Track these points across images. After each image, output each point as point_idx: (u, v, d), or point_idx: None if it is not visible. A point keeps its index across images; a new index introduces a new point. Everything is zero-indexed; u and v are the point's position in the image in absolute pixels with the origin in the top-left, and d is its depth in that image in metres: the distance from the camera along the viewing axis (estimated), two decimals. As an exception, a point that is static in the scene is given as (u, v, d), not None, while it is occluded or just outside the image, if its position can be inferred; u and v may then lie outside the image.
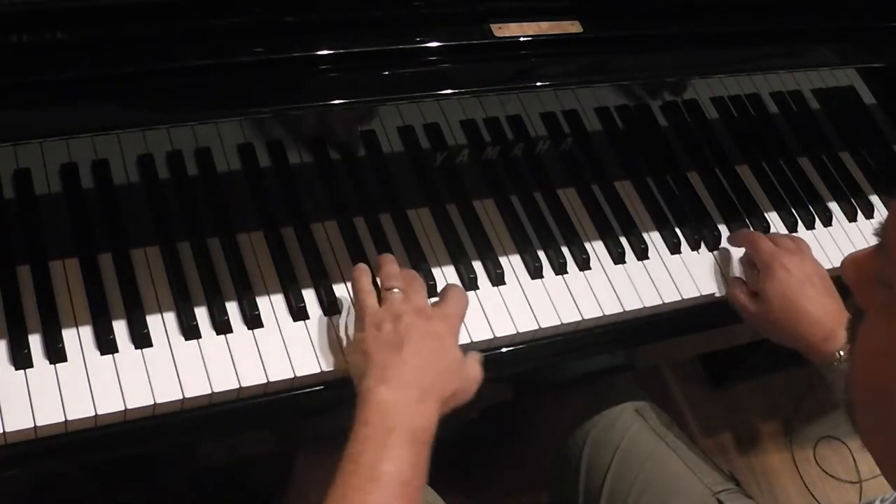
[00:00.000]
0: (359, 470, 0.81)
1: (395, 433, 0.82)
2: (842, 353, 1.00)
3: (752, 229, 1.19)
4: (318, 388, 0.96)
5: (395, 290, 0.93)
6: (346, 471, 0.81)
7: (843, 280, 0.83)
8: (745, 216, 1.21)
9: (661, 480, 1.13)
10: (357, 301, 0.94)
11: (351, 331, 0.97)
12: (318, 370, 0.95)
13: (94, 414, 0.86)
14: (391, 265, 0.96)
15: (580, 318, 1.05)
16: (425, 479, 0.84)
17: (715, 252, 1.16)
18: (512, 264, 1.07)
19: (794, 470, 1.84)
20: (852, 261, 0.65)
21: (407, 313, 0.90)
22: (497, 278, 1.05)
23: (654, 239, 1.14)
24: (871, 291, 0.61)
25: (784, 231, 1.22)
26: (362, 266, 0.97)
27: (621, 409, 1.21)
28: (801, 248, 1.11)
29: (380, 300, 0.93)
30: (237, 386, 0.91)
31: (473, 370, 0.93)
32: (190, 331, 0.93)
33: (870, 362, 0.61)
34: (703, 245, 1.16)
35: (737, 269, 1.14)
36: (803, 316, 1.04)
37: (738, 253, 1.15)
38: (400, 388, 0.86)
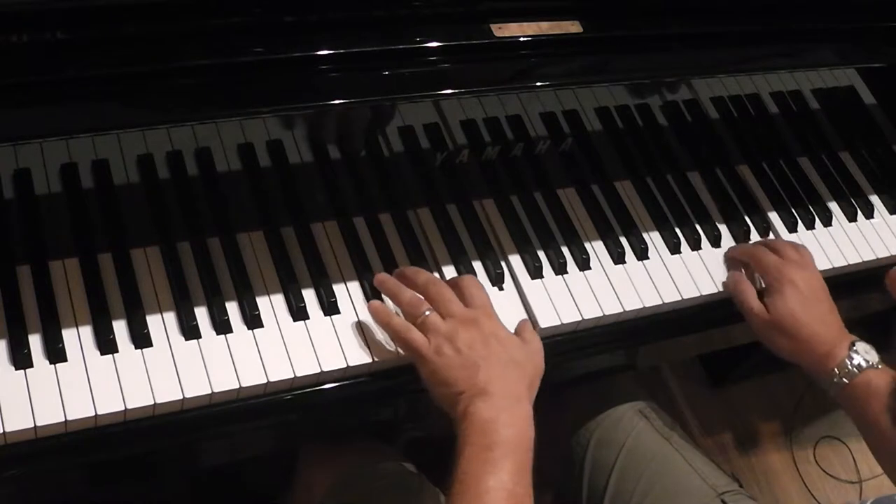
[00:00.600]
0: (465, 490, 0.84)
1: (495, 448, 0.85)
2: (838, 369, 1.03)
3: (751, 234, 1.19)
4: (317, 387, 0.96)
5: (427, 312, 0.93)
6: (454, 492, 0.84)
7: (891, 293, 0.84)
8: (745, 216, 1.21)
9: (666, 481, 1.13)
10: (401, 342, 0.94)
11: (352, 330, 0.97)
12: (317, 370, 0.94)
13: (94, 414, 0.86)
14: (402, 292, 0.95)
15: (580, 318, 1.05)
16: (530, 483, 0.86)
17: (715, 252, 1.16)
18: (512, 264, 1.07)
19: (794, 470, 1.84)
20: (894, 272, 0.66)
21: (455, 329, 0.91)
22: (497, 278, 1.05)
23: (654, 239, 1.14)
24: None
25: (783, 231, 1.22)
26: (377, 306, 0.96)
27: (625, 410, 1.21)
28: (805, 258, 1.11)
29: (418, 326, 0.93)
30: (237, 386, 0.91)
31: (534, 343, 0.96)
32: (190, 331, 0.93)
33: None
34: (703, 245, 1.16)
35: (737, 270, 1.14)
36: (808, 334, 1.05)
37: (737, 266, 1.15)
38: (492, 402, 0.88)
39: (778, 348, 1.08)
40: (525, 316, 1.03)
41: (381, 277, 0.97)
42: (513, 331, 0.98)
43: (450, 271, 1.05)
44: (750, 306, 1.08)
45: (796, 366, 1.08)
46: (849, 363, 1.02)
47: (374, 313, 0.95)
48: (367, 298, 1.00)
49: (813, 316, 1.06)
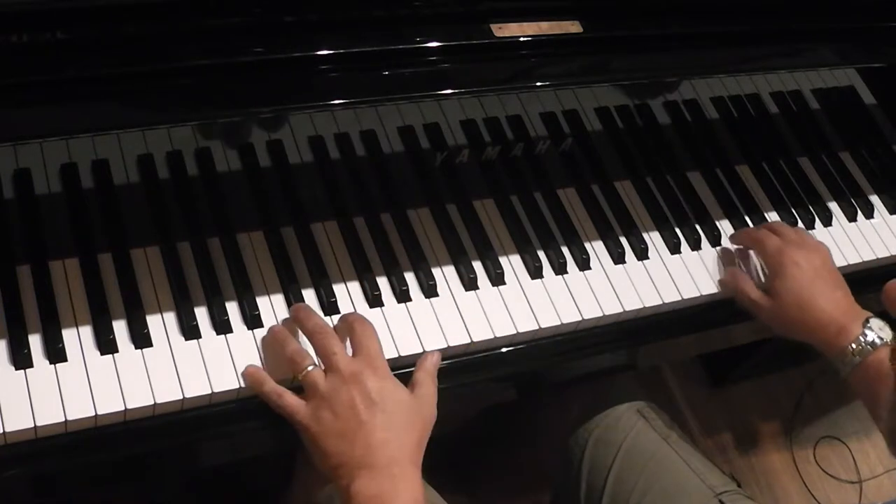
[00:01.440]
0: None
1: None
2: (853, 346, 1.00)
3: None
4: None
5: (309, 367, 0.88)
6: None
7: (886, 308, 0.83)
8: (745, 216, 1.21)
9: (664, 481, 1.13)
10: (277, 408, 0.88)
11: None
12: (318, 370, 0.94)
13: (94, 414, 0.86)
14: (287, 344, 0.90)
15: (580, 318, 1.05)
16: None
17: (715, 252, 1.16)
18: (512, 264, 1.07)
19: (794, 470, 1.84)
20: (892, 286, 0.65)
21: (335, 389, 0.86)
22: (497, 278, 1.05)
23: (654, 239, 1.14)
24: None
25: (784, 231, 1.22)
26: (250, 372, 0.90)
27: (624, 410, 1.21)
28: (804, 238, 1.11)
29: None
30: (237, 386, 0.91)
31: (424, 388, 0.91)
32: (190, 331, 0.93)
33: None
34: (703, 245, 1.16)
35: (738, 269, 1.14)
36: (816, 312, 1.03)
37: (738, 252, 1.15)
38: (375, 475, 0.83)
39: (788, 332, 1.07)
40: (529, 316, 1.03)
41: (273, 328, 0.93)
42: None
43: (450, 271, 1.05)
44: (751, 297, 1.08)
45: (796, 366, 1.08)
46: (863, 340, 1.00)
47: (248, 379, 0.90)
48: (367, 298, 1.00)
49: (819, 295, 1.04)
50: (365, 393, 0.86)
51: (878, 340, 1.00)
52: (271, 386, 0.89)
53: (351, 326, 0.92)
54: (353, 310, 0.99)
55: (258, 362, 0.93)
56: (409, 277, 1.03)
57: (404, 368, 0.98)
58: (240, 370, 0.92)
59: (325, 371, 0.88)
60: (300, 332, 0.94)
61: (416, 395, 0.90)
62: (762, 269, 1.12)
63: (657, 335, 1.13)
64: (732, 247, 1.15)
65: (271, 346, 0.92)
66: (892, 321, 1.02)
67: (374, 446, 0.84)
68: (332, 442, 0.85)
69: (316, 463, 0.88)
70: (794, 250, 1.07)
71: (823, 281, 1.06)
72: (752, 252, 1.14)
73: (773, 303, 1.06)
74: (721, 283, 1.12)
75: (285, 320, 0.96)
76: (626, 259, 1.12)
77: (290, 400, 0.88)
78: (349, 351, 0.91)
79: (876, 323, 1.01)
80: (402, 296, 1.01)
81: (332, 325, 0.94)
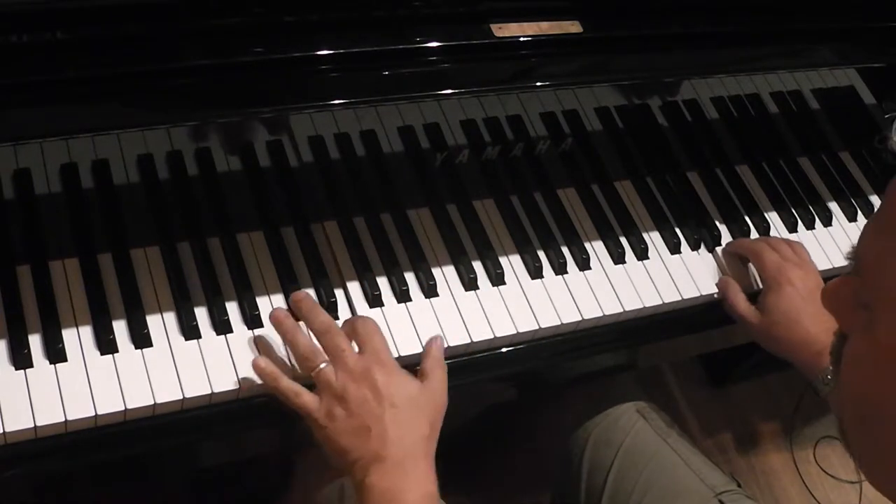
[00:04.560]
0: None
1: None
2: (831, 367, 1.01)
3: (751, 234, 1.19)
4: (318, 388, 0.96)
5: (322, 365, 0.88)
6: None
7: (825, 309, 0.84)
8: (745, 216, 1.21)
9: (664, 481, 1.13)
10: (292, 406, 0.89)
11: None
12: (318, 370, 0.94)
13: (94, 414, 0.86)
14: (298, 341, 0.90)
15: (580, 318, 1.05)
16: None
17: (715, 252, 1.16)
18: (512, 264, 1.07)
19: (794, 470, 1.83)
20: (828, 289, 0.66)
21: (346, 386, 0.87)
22: (497, 278, 1.05)
23: (654, 239, 1.14)
24: (851, 315, 0.62)
25: (784, 231, 1.22)
26: (262, 367, 0.90)
27: (623, 409, 1.21)
28: (803, 258, 1.11)
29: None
30: (237, 386, 0.91)
31: (434, 376, 0.92)
32: (190, 331, 0.93)
33: (857, 386, 0.61)
34: (703, 245, 1.16)
35: (737, 270, 1.14)
36: (802, 332, 1.05)
37: (734, 261, 1.15)
38: (388, 469, 0.85)
39: (773, 347, 1.08)
40: (529, 316, 1.03)
41: (279, 316, 0.92)
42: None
43: (450, 271, 1.05)
44: (738, 308, 1.09)
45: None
46: None
47: (262, 375, 0.90)
48: (368, 298, 1.00)
49: (807, 316, 1.05)
50: (376, 389, 0.87)
51: None
52: (286, 383, 0.89)
53: (353, 326, 0.92)
54: (353, 310, 0.99)
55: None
56: (409, 277, 1.03)
57: (405, 368, 0.98)
58: (240, 370, 0.92)
59: (335, 368, 0.89)
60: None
61: (426, 385, 0.91)
62: (756, 280, 1.13)
63: (657, 335, 1.13)
64: (730, 253, 1.15)
65: (265, 380, 0.91)
66: None
67: (387, 441, 0.85)
68: (346, 439, 0.86)
69: (331, 459, 0.89)
70: (792, 269, 1.08)
71: (814, 303, 1.06)
72: (749, 263, 1.14)
73: (762, 317, 1.07)
74: (716, 286, 1.12)
75: (287, 310, 0.95)
76: (626, 259, 1.12)
77: (307, 398, 0.88)
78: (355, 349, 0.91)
79: None
80: (402, 296, 1.01)
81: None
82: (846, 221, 1.25)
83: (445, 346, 0.98)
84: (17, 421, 0.84)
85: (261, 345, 0.94)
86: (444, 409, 0.91)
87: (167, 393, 0.89)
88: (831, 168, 1.31)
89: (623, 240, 1.13)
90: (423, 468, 0.87)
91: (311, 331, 0.92)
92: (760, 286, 1.12)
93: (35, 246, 0.94)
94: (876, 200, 1.29)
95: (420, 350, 0.97)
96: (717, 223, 1.18)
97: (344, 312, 0.99)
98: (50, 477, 0.93)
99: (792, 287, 1.06)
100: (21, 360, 0.88)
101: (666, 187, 1.20)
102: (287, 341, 0.92)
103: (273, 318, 0.93)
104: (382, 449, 0.85)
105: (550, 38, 0.98)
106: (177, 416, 0.90)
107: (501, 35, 0.96)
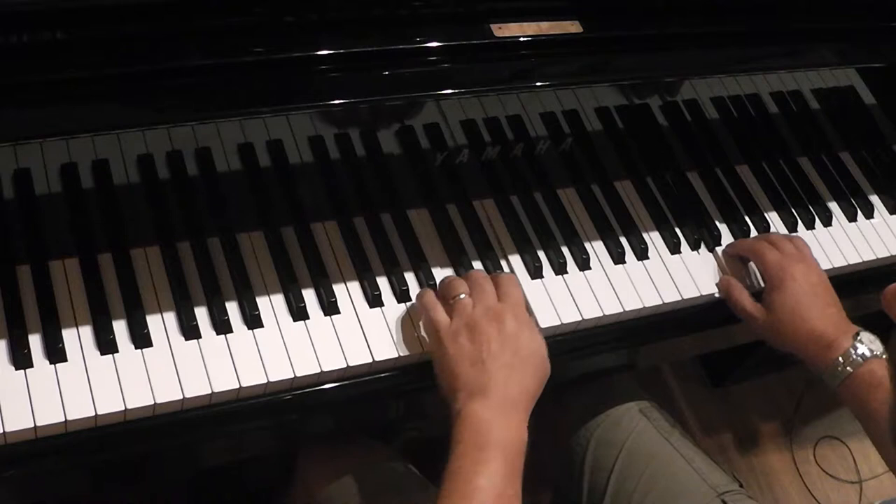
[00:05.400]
0: (455, 488, 0.84)
1: (487, 449, 0.85)
2: (842, 358, 1.02)
3: (751, 234, 1.19)
4: (318, 387, 0.96)
5: (461, 295, 0.95)
6: (444, 489, 0.84)
7: (885, 311, 0.85)
8: (745, 216, 1.21)
9: (666, 481, 1.13)
10: (426, 317, 0.96)
11: (351, 330, 0.97)
12: (317, 370, 0.94)
13: (94, 414, 0.86)
14: (450, 278, 0.99)
15: (580, 318, 1.05)
16: (520, 486, 0.87)
17: (715, 252, 1.16)
18: (512, 264, 1.07)
19: (794, 470, 1.84)
20: (890, 290, 0.66)
21: (479, 320, 0.92)
22: (497, 278, 1.05)
23: (654, 239, 1.14)
24: None
25: (783, 231, 1.22)
26: (425, 289, 1.01)
27: (626, 409, 1.21)
28: (804, 252, 1.11)
29: (449, 313, 0.95)
30: (237, 386, 0.91)
31: (545, 348, 0.95)
32: (190, 331, 0.93)
33: None
34: (703, 245, 1.16)
35: (737, 270, 1.14)
36: (809, 327, 1.05)
37: (736, 261, 1.15)
38: (489, 404, 0.88)
39: (780, 344, 1.08)
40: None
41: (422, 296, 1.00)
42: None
43: (449, 272, 1.05)
44: (744, 308, 1.09)
45: (796, 366, 1.08)
46: (853, 352, 1.01)
47: (420, 293, 0.99)
48: (368, 298, 1.01)
49: (813, 310, 1.06)
50: (504, 331, 0.92)
51: (868, 353, 1.02)
52: (430, 297, 0.97)
53: (497, 279, 0.98)
54: (353, 309, 0.99)
55: (258, 362, 0.93)
56: (409, 277, 1.03)
57: (403, 368, 0.98)
58: (240, 370, 0.92)
59: (474, 303, 0.94)
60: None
61: (542, 344, 0.95)
62: (758, 278, 1.13)
63: (657, 335, 1.13)
64: (730, 254, 1.15)
65: (422, 300, 0.98)
66: (882, 335, 1.04)
67: (497, 380, 0.89)
68: (461, 365, 0.90)
69: (438, 380, 0.93)
70: (794, 265, 1.08)
71: (819, 297, 1.07)
72: (750, 262, 1.14)
73: (768, 314, 1.07)
74: (717, 286, 1.12)
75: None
76: (626, 259, 1.12)
77: (440, 314, 0.94)
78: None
79: (866, 336, 1.03)
80: (402, 296, 1.01)
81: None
82: (846, 221, 1.25)
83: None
84: (17, 421, 0.84)
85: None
86: (548, 377, 0.95)
87: (167, 393, 0.89)
88: (831, 168, 1.31)
89: (623, 240, 1.13)
90: (519, 418, 0.90)
91: (462, 276, 0.99)
92: (762, 285, 1.12)
93: (35, 246, 0.94)
94: (876, 200, 1.29)
95: (420, 351, 0.97)
96: (717, 223, 1.18)
97: (345, 312, 0.99)
98: (50, 477, 0.93)
99: (795, 283, 1.06)
100: (21, 360, 0.88)
101: (666, 187, 1.20)
102: (441, 280, 1.00)
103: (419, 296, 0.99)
104: (490, 385, 0.89)
105: (550, 38, 0.98)
106: (177, 416, 0.90)
107: (501, 35, 0.96)
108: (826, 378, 1.04)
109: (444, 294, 0.97)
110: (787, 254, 1.10)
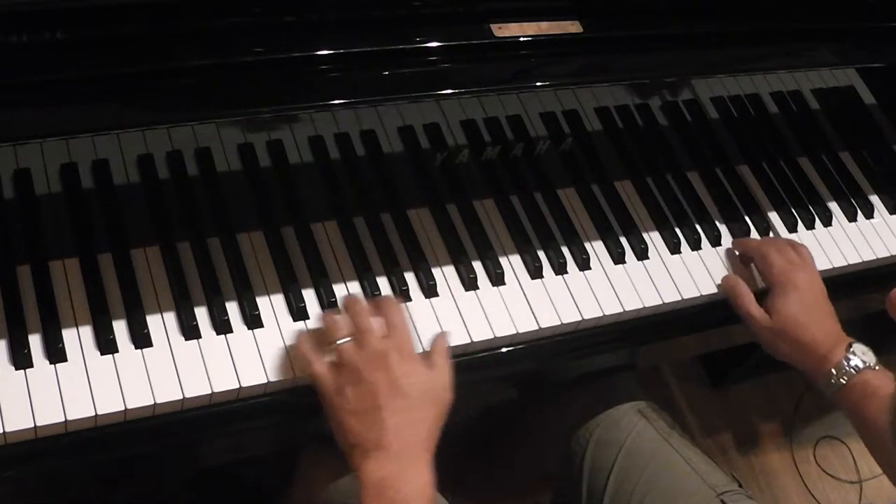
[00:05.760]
0: None
1: None
2: (835, 370, 1.04)
3: (751, 234, 1.19)
4: (318, 388, 0.96)
5: (345, 339, 0.89)
6: None
7: (890, 314, 0.86)
8: (745, 216, 1.21)
9: (665, 481, 1.13)
10: (307, 371, 0.90)
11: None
12: (318, 370, 0.94)
13: (94, 414, 0.86)
14: (332, 314, 0.93)
15: (580, 318, 1.05)
16: None
17: (715, 252, 1.16)
18: (512, 264, 1.07)
19: (794, 470, 1.84)
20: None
21: (363, 369, 0.87)
22: (497, 278, 1.05)
23: (654, 239, 1.14)
24: None
25: (783, 231, 1.22)
26: (299, 334, 0.94)
27: (625, 410, 1.21)
28: (806, 260, 1.12)
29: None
30: (237, 386, 0.91)
31: (443, 370, 0.92)
32: (190, 331, 0.93)
33: None
34: (703, 245, 1.16)
35: (738, 269, 1.14)
36: (808, 337, 1.06)
37: (739, 259, 1.15)
38: (387, 458, 0.85)
39: (778, 352, 1.09)
40: (529, 316, 1.03)
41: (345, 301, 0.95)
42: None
43: (450, 271, 1.05)
44: (749, 312, 1.09)
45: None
46: (846, 364, 1.03)
47: (296, 342, 0.93)
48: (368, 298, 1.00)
49: (813, 320, 1.07)
50: (389, 377, 0.87)
51: (861, 364, 1.03)
52: (306, 348, 0.91)
53: (385, 307, 0.93)
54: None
55: (258, 362, 0.93)
56: (409, 277, 1.03)
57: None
58: (240, 370, 0.92)
59: (356, 346, 0.90)
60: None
61: (437, 380, 0.91)
62: (757, 279, 1.13)
63: (657, 335, 1.13)
64: (734, 252, 1.16)
65: (298, 352, 0.93)
66: (878, 344, 1.06)
67: (389, 430, 0.85)
68: (351, 419, 0.87)
69: (335, 437, 0.89)
70: (798, 273, 1.09)
71: (818, 307, 1.09)
72: (751, 262, 1.14)
73: (769, 320, 1.08)
74: (720, 287, 1.12)
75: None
76: (626, 259, 1.12)
77: (320, 369, 0.89)
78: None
79: (859, 348, 1.05)
80: (402, 296, 1.01)
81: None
82: (846, 221, 1.25)
83: (445, 346, 0.98)
84: (17, 421, 0.84)
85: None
86: (449, 406, 0.92)
87: (167, 393, 0.89)
88: (831, 168, 1.31)
89: (623, 240, 1.13)
90: (423, 462, 0.86)
91: (343, 307, 0.94)
92: (761, 285, 1.12)
93: (35, 246, 0.94)
94: (876, 200, 1.29)
95: (420, 351, 0.97)
96: (717, 223, 1.18)
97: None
98: (50, 477, 0.93)
99: (798, 292, 1.07)
100: (21, 360, 0.88)
101: (666, 187, 1.20)
102: (322, 317, 0.94)
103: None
104: (384, 437, 0.85)
105: (550, 38, 0.98)
106: (177, 416, 0.90)
107: (501, 35, 0.96)
108: (821, 387, 1.06)
109: (324, 338, 0.91)
110: (791, 261, 1.10)
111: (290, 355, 0.94)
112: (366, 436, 0.86)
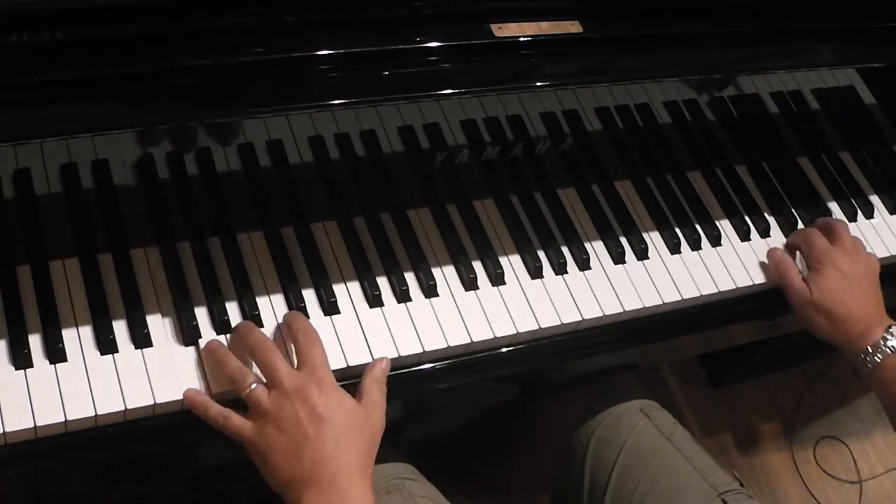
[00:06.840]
0: None
1: None
2: (871, 348, 1.05)
3: (751, 234, 1.19)
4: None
5: (252, 385, 0.86)
6: None
7: None
8: (745, 216, 1.21)
9: (667, 480, 1.13)
10: (224, 430, 0.87)
11: (351, 330, 0.97)
12: (318, 370, 0.94)
13: (94, 414, 0.86)
14: (227, 363, 0.89)
15: (580, 318, 1.05)
16: None
17: (715, 252, 1.16)
18: (512, 264, 1.07)
19: (794, 470, 1.84)
20: None
21: (279, 406, 0.85)
22: (497, 278, 1.05)
23: (654, 239, 1.14)
24: None
25: (783, 230, 1.21)
26: (191, 396, 0.88)
27: (626, 408, 1.21)
28: (857, 248, 1.13)
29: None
30: (237, 386, 0.91)
31: (371, 395, 0.90)
32: (190, 331, 0.93)
33: None
34: (703, 245, 1.16)
35: (738, 269, 1.14)
36: (844, 313, 1.07)
37: (737, 251, 1.16)
38: (326, 489, 0.82)
39: (814, 327, 1.10)
40: (529, 316, 1.03)
41: (210, 346, 0.91)
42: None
43: (450, 271, 1.05)
44: (793, 283, 1.11)
45: (796, 366, 1.09)
46: (882, 343, 1.05)
47: (190, 403, 0.88)
48: (368, 298, 1.00)
49: (850, 297, 1.08)
50: (309, 407, 0.85)
51: None
52: (216, 409, 0.87)
53: (295, 336, 0.90)
54: (352, 310, 0.99)
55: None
56: (409, 277, 1.03)
57: (403, 369, 0.98)
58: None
59: (268, 387, 0.87)
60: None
61: (363, 404, 0.89)
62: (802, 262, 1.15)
63: (657, 335, 1.13)
64: (729, 246, 1.16)
65: (212, 364, 0.90)
66: None
67: (321, 461, 0.83)
68: (278, 459, 0.84)
69: (268, 483, 0.86)
70: (840, 256, 1.11)
71: (860, 288, 1.10)
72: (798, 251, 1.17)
73: (808, 296, 1.09)
74: (768, 258, 1.14)
75: (231, 336, 0.94)
76: (626, 259, 1.12)
77: (236, 421, 0.86)
78: (294, 361, 0.90)
79: None
80: (402, 296, 1.01)
81: (273, 336, 0.93)
82: (846, 221, 1.25)
83: (445, 346, 0.98)
84: (17, 421, 0.84)
85: (204, 362, 0.92)
86: (382, 430, 0.89)
87: (167, 393, 0.89)
88: (831, 168, 1.31)
89: (623, 240, 1.13)
90: (360, 487, 0.84)
91: (245, 349, 0.90)
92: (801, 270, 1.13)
93: (35, 246, 0.94)
94: (876, 200, 1.29)
95: (420, 350, 0.98)
96: (717, 223, 1.18)
97: (345, 312, 0.99)
98: (50, 477, 0.93)
99: (836, 270, 1.09)
100: (21, 360, 0.88)
101: (666, 187, 1.20)
102: (218, 367, 0.90)
103: (205, 349, 0.91)
104: (316, 469, 0.83)
105: (550, 38, 0.98)
106: (177, 415, 0.90)
107: (501, 35, 0.96)
108: (855, 365, 1.07)
109: (234, 390, 0.88)
110: (841, 245, 1.12)
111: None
112: (298, 471, 0.83)
